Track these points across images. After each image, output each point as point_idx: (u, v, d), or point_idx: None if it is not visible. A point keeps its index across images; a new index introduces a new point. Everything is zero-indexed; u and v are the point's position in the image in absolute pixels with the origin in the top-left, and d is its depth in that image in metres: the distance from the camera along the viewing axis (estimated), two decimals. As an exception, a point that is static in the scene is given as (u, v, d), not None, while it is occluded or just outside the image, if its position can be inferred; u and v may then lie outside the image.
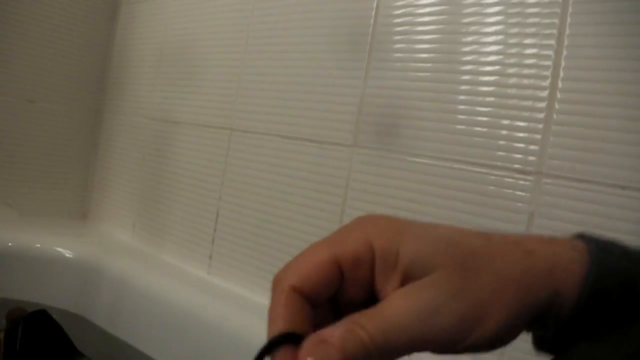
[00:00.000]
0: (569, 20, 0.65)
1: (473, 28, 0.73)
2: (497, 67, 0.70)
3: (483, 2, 0.72)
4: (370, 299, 0.28)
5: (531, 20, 0.68)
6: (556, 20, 0.65)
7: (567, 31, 0.65)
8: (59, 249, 1.07)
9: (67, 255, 1.07)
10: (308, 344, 0.25)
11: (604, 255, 0.27)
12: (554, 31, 0.65)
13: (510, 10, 0.70)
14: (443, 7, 0.76)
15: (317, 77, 0.89)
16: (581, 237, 0.29)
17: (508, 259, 0.27)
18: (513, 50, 0.69)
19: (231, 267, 0.98)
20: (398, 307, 0.25)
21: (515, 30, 0.69)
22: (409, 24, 0.79)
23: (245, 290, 0.95)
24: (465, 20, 0.73)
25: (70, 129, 1.31)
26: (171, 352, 0.91)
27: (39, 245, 1.07)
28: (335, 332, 0.25)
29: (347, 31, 0.86)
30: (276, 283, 0.27)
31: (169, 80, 1.18)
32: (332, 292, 0.27)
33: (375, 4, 0.83)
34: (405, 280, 0.27)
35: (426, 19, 0.77)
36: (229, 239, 0.99)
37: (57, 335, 0.83)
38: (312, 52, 0.91)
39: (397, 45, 0.80)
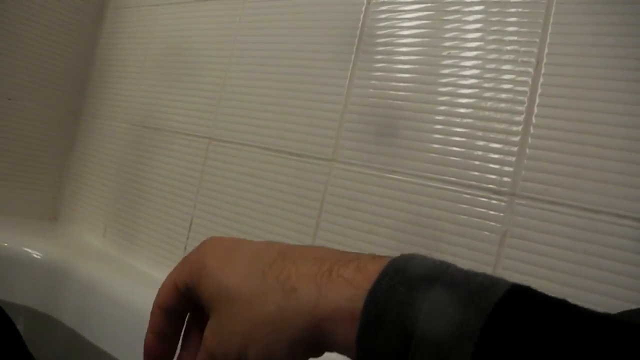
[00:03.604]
0: (546, 50, 0.67)
1: (453, 52, 0.75)
2: (474, 90, 0.72)
3: (463, 27, 0.75)
4: None
5: (510, 47, 0.70)
6: (535, 49, 0.68)
7: (545, 60, 0.67)
8: (27, 249, 1.05)
9: (35, 255, 1.05)
10: None
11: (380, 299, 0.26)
12: (532, 59, 0.68)
13: (490, 37, 0.72)
14: (424, 30, 0.78)
15: (300, 90, 0.90)
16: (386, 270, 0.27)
17: (267, 299, 0.30)
18: (491, 75, 0.71)
19: (202, 276, 0.98)
20: None
21: (493, 56, 0.71)
22: (390, 45, 0.81)
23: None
24: (445, 44, 0.76)
25: (47, 129, 1.29)
26: (139, 356, 0.89)
27: (6, 245, 1.05)
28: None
29: (331, 48, 0.88)
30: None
31: (151, 87, 1.18)
32: (186, 305, 0.36)
33: (360, 24, 0.85)
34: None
35: (408, 40, 0.80)
36: (202, 247, 0.99)
37: (8, 334, 0.81)
38: (295, 65, 0.92)
39: (379, 65, 0.82)
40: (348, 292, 0.27)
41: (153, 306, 0.37)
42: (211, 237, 0.37)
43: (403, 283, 0.26)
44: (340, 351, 0.28)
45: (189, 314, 0.38)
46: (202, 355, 0.34)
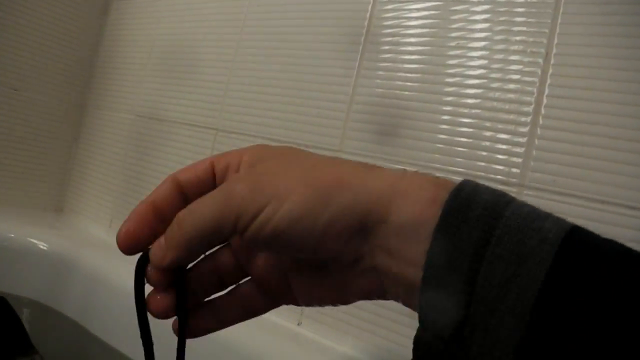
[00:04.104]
0: (556, 40, 0.67)
1: (461, 42, 0.74)
2: (482, 81, 0.72)
3: (470, 18, 0.74)
4: None
5: (518, 37, 0.70)
6: (544, 40, 0.68)
7: (554, 50, 0.67)
8: (33, 240, 1.05)
9: (41, 246, 1.05)
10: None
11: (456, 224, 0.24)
12: (542, 50, 0.68)
13: (498, 28, 0.72)
14: (431, 20, 0.78)
15: (306, 82, 0.90)
16: (459, 189, 0.25)
17: (341, 164, 0.28)
18: (499, 65, 0.71)
19: (208, 267, 0.97)
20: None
21: (501, 46, 0.71)
22: (398, 35, 0.81)
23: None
24: (453, 35, 0.75)
25: (52, 120, 1.29)
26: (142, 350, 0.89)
27: (12, 235, 1.05)
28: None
29: (338, 39, 0.87)
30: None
31: (156, 78, 1.18)
32: (204, 185, 0.31)
33: (367, 15, 0.84)
34: None
35: (415, 31, 0.79)
36: (208, 238, 0.99)
37: (11, 325, 0.81)
38: (303, 56, 0.92)
39: (386, 55, 0.81)
40: (433, 180, 0.26)
41: (166, 178, 0.32)
42: None
43: (487, 190, 0.25)
44: (387, 239, 0.26)
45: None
46: (209, 200, 0.28)
